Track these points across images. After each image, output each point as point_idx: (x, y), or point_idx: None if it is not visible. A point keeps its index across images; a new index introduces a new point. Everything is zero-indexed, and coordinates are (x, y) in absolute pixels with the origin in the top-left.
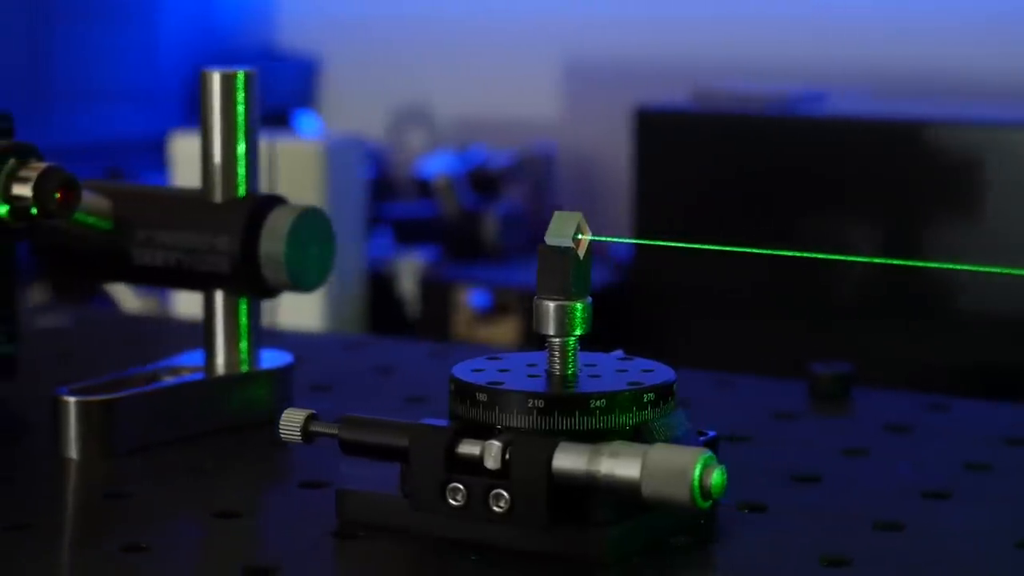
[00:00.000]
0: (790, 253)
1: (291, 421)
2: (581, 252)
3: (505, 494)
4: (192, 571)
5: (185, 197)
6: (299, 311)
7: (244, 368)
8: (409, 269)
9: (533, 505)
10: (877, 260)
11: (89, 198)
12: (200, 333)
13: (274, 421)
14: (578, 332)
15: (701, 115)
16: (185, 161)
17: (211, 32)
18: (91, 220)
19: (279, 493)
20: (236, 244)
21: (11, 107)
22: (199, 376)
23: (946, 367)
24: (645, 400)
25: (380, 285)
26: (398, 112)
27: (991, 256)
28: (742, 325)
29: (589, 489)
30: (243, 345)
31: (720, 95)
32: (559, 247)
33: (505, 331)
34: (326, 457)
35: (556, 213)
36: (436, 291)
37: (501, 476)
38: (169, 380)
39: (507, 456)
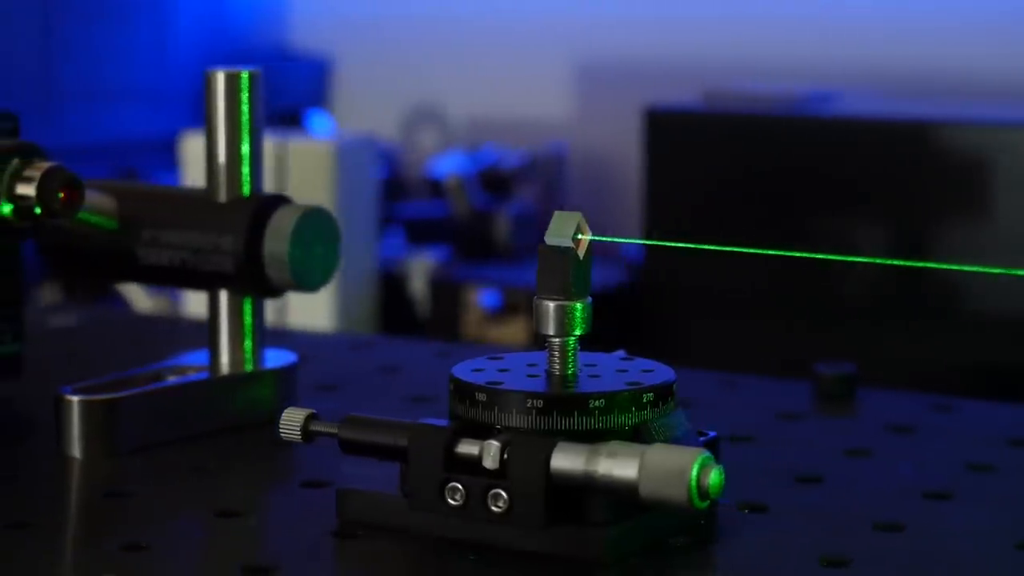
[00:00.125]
0: (790, 253)
1: (291, 420)
2: (581, 252)
3: (503, 494)
4: (191, 570)
5: (190, 197)
6: (310, 311)
7: (248, 367)
8: (420, 269)
9: (531, 505)
10: (887, 261)
11: (93, 198)
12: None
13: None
14: (578, 332)
15: (711, 115)
16: (196, 161)
17: (223, 32)
18: (96, 220)
19: (280, 493)
20: (240, 244)
21: (24, 107)
22: (203, 375)
23: (952, 367)
24: (644, 400)
25: (391, 285)
26: (410, 112)
27: (999, 256)
28: (754, 325)
29: (587, 489)
30: (247, 344)
31: (729, 95)
32: (559, 247)
33: (515, 331)
34: (329, 457)
35: (556, 213)
36: (447, 291)
37: (499, 476)
38: (172, 380)
39: (505, 456)
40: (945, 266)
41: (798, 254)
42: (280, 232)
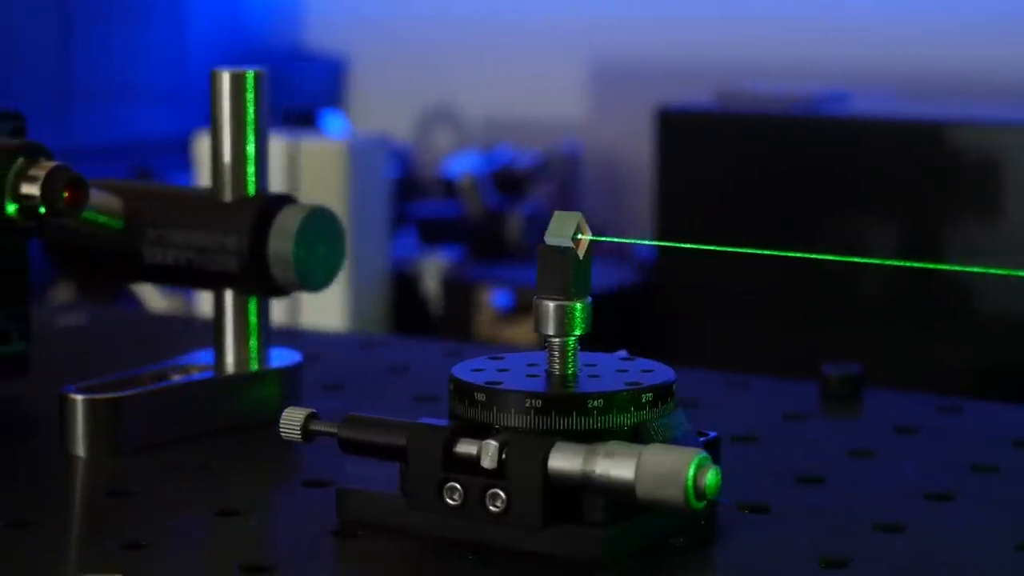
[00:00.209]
0: (801, 255)
1: (291, 420)
2: (581, 252)
3: (502, 494)
4: (191, 569)
5: (195, 196)
6: (322, 311)
7: (253, 367)
8: (433, 269)
9: (529, 505)
10: (889, 262)
11: (99, 197)
12: None
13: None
14: (578, 332)
15: (724, 115)
16: (209, 161)
17: (239, 32)
18: (101, 219)
19: (282, 492)
20: (245, 243)
21: (41, 106)
22: (207, 375)
23: (965, 368)
24: (643, 400)
25: (404, 285)
26: (425, 112)
27: (1011, 256)
28: (766, 325)
29: (585, 489)
30: (252, 344)
31: (743, 95)
32: (559, 247)
33: (527, 331)
34: (331, 456)
35: (556, 213)
36: (459, 291)
37: (498, 476)
38: (177, 379)
39: (503, 456)
40: (945, 267)
41: (809, 255)
42: (284, 232)
